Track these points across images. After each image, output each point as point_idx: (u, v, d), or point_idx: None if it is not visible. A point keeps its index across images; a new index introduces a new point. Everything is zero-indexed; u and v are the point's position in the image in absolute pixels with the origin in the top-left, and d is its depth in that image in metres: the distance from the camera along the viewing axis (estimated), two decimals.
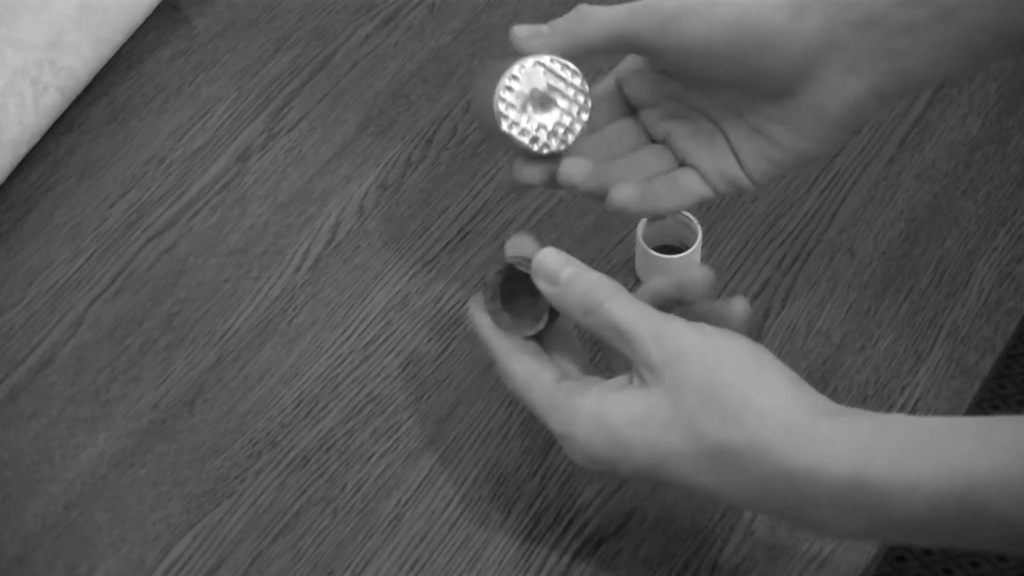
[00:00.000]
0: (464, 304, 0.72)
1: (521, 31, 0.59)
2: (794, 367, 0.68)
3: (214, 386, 0.70)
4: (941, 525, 0.48)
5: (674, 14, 0.56)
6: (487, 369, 0.70)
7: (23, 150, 0.78)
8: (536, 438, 0.67)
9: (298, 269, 0.74)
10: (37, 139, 0.79)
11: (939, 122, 0.78)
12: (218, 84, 0.83)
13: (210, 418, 0.69)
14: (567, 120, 0.59)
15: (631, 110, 0.63)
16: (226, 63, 0.84)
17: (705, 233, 0.72)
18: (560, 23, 0.58)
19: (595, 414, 0.54)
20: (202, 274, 0.74)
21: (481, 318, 0.59)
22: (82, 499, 0.67)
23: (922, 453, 0.48)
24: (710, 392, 0.52)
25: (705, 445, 0.52)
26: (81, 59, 0.80)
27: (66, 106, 0.80)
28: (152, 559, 0.64)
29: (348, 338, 0.72)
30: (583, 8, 0.58)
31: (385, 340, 0.71)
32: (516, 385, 0.58)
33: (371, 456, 0.67)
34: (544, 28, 0.59)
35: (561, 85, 0.59)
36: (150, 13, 0.84)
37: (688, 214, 0.69)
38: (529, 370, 0.57)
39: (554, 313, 0.58)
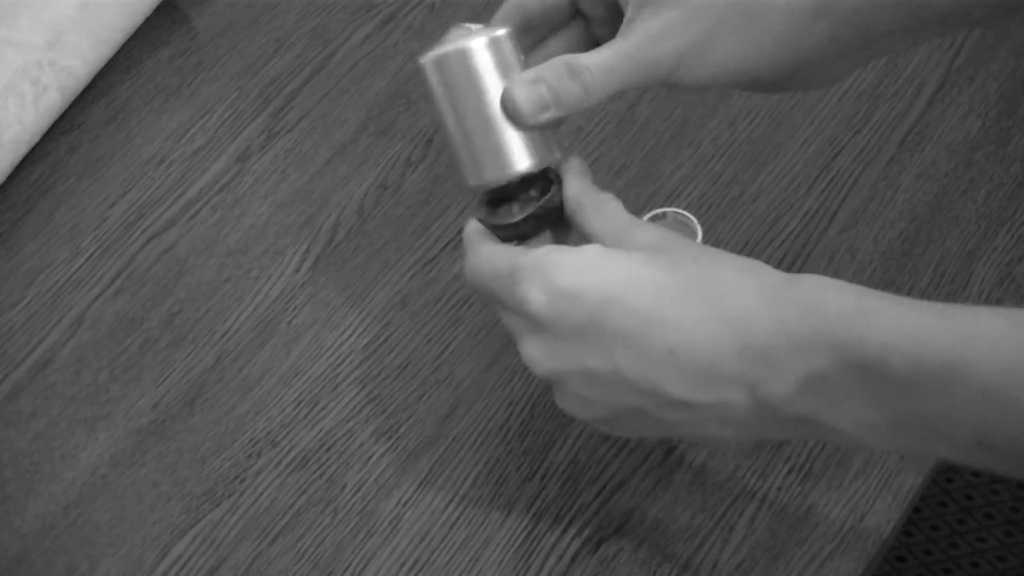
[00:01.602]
0: (465, 304, 0.73)
1: (524, 104, 0.55)
2: None
3: (214, 386, 0.70)
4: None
5: (673, 68, 0.55)
6: (487, 369, 0.70)
7: (23, 150, 0.78)
8: (536, 438, 0.68)
9: (298, 269, 0.74)
10: (37, 139, 0.79)
11: (939, 122, 0.78)
12: (218, 84, 0.83)
13: (210, 418, 0.69)
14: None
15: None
16: (226, 63, 0.84)
17: (705, 233, 0.72)
18: (564, 96, 0.55)
19: (572, 249, 0.53)
20: (202, 274, 0.75)
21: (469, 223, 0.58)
22: (82, 499, 0.67)
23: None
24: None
25: (694, 277, 0.51)
26: (81, 59, 0.80)
27: (66, 106, 0.80)
28: (152, 559, 0.64)
29: (348, 338, 0.72)
30: (581, 70, 0.55)
31: (385, 340, 0.71)
32: (482, 258, 0.55)
33: (371, 456, 0.67)
34: (547, 97, 0.55)
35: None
36: (150, 13, 0.84)
37: (688, 214, 0.69)
38: (497, 247, 0.56)
39: (542, 216, 0.57)
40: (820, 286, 0.50)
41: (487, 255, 0.55)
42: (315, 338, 0.72)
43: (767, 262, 0.72)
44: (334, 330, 0.72)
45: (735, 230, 0.74)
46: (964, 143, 0.77)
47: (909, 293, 0.71)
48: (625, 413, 0.53)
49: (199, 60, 0.84)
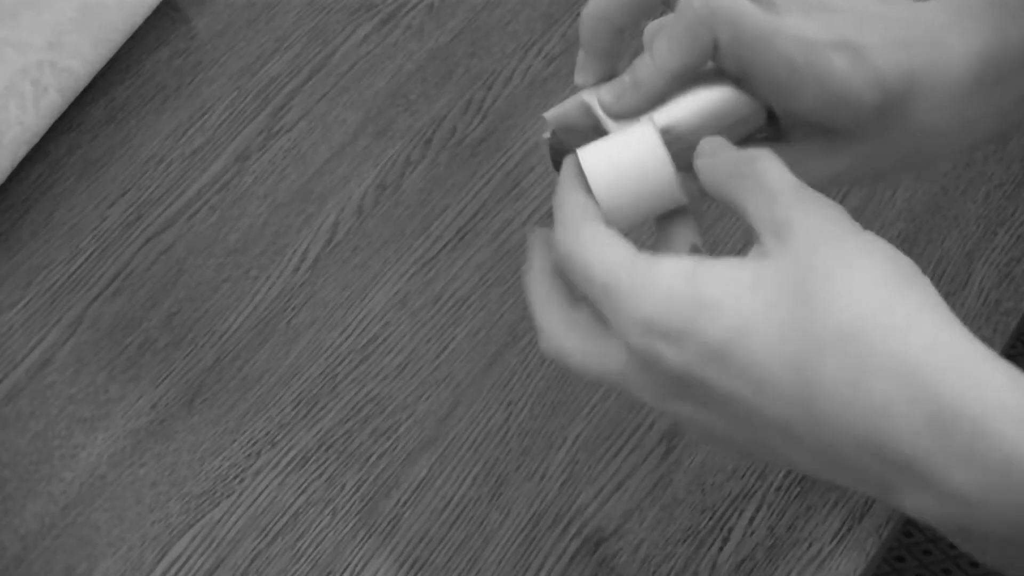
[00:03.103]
0: (464, 304, 0.72)
1: (604, 97, 0.49)
2: None
3: (213, 386, 0.70)
4: None
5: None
6: (487, 369, 0.70)
7: (23, 151, 0.78)
8: (536, 438, 0.67)
9: (297, 269, 0.74)
10: (37, 140, 0.79)
11: None
12: (217, 84, 0.83)
13: (209, 418, 0.69)
14: None
15: None
16: (225, 63, 0.84)
17: (705, 233, 0.72)
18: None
19: (684, 269, 0.43)
20: (201, 274, 0.74)
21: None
22: (81, 499, 0.67)
23: None
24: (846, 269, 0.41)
25: (816, 328, 0.40)
26: (81, 60, 0.80)
27: (66, 107, 0.80)
28: (151, 559, 0.64)
29: (347, 338, 0.72)
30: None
31: (384, 340, 0.71)
32: (583, 237, 0.45)
33: (370, 456, 0.67)
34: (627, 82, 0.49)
35: None
36: (150, 13, 0.84)
37: None
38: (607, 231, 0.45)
39: None
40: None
41: (609, 234, 0.44)
42: (314, 338, 0.72)
43: None
44: (333, 330, 0.72)
45: (735, 230, 0.74)
46: None
47: None
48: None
49: (198, 60, 0.84)
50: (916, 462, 0.39)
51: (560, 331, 0.46)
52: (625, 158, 0.46)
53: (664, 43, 0.48)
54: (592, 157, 0.46)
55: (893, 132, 0.49)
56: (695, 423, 0.44)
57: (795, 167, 0.47)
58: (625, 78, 0.49)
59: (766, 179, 0.44)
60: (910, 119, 0.48)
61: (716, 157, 0.46)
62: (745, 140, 0.50)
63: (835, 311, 0.40)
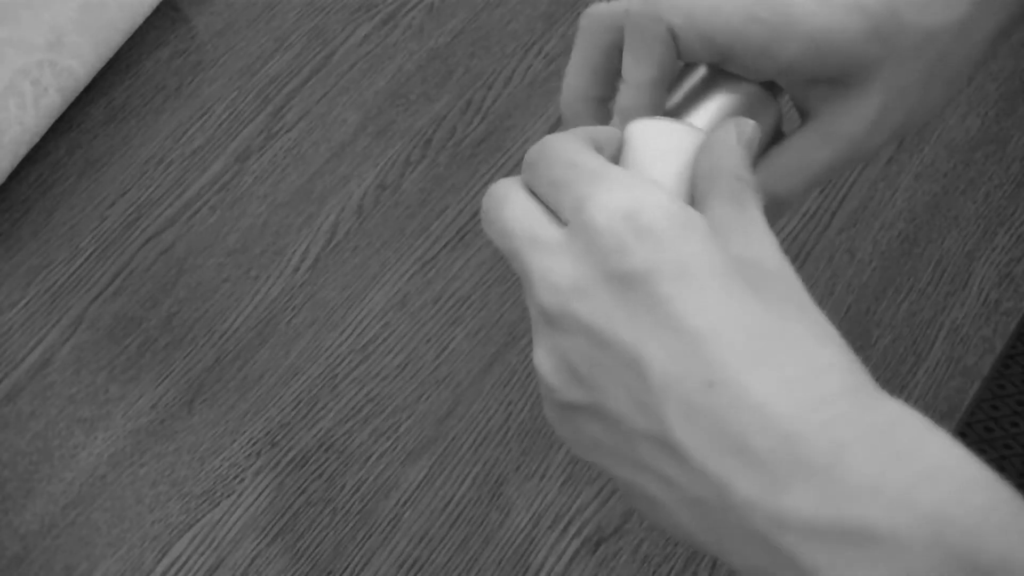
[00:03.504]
0: (464, 304, 0.72)
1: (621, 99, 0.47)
2: None
3: (213, 386, 0.70)
4: None
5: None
6: (486, 369, 0.70)
7: (23, 151, 0.78)
8: (536, 438, 0.67)
9: (297, 269, 0.74)
10: (37, 140, 0.79)
11: (938, 122, 0.78)
12: (217, 84, 0.83)
13: (209, 418, 0.69)
14: None
15: None
16: (225, 63, 0.84)
17: None
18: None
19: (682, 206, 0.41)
20: (201, 274, 0.74)
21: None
22: (81, 499, 0.67)
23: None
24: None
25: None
26: (81, 60, 0.80)
27: (65, 107, 0.80)
28: (151, 559, 0.64)
29: (347, 338, 0.72)
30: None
31: (384, 340, 0.71)
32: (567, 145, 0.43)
33: (370, 456, 0.67)
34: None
35: None
36: (150, 13, 0.84)
37: None
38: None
39: None
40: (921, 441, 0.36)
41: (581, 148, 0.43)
42: (314, 338, 0.72)
43: None
44: (333, 330, 0.72)
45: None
46: (963, 143, 0.77)
47: (908, 293, 0.71)
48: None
49: (198, 60, 0.84)
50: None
51: (518, 185, 0.44)
52: (649, 155, 0.46)
53: (627, 57, 0.47)
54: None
55: (901, 47, 0.47)
56: (593, 317, 0.40)
57: (832, 129, 0.47)
58: (615, 118, 0.48)
59: None
60: (908, 27, 0.47)
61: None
62: (774, 135, 0.50)
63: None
